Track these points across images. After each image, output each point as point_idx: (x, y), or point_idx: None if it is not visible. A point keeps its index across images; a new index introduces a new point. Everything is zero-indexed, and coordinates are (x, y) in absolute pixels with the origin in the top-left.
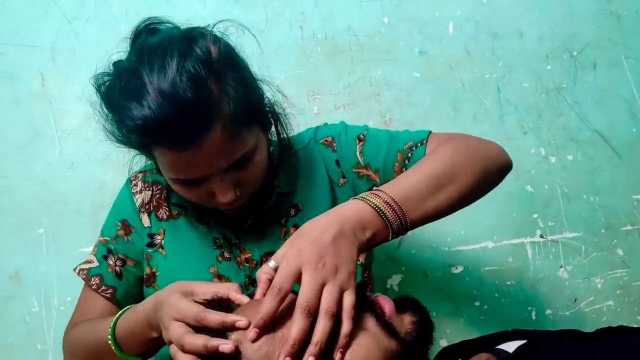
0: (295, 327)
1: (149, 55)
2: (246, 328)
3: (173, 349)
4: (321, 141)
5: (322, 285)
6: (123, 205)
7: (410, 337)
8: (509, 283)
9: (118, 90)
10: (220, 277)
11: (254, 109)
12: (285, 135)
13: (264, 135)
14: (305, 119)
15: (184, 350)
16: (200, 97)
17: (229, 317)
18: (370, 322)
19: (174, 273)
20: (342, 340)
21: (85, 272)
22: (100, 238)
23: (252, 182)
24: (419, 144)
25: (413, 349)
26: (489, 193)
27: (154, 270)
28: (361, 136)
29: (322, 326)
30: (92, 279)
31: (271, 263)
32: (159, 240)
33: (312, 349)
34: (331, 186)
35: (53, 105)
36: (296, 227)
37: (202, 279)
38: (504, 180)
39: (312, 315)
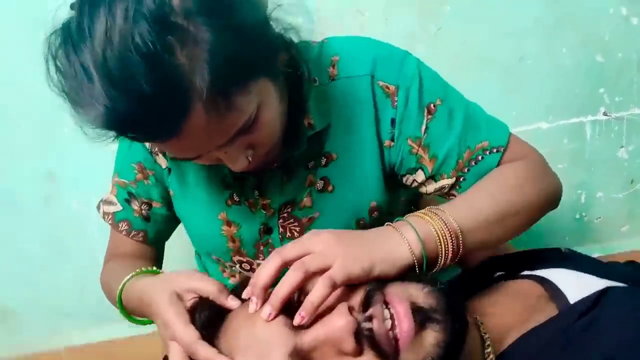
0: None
1: (90, 21)
2: None
3: None
4: (381, 83)
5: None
6: (134, 145)
7: None
8: (560, 166)
9: (67, 75)
10: (230, 224)
11: (249, 58)
12: (306, 69)
13: (271, 84)
14: None
15: None
16: (163, 82)
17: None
18: None
19: (185, 219)
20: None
21: (111, 217)
22: (117, 179)
23: (266, 142)
24: (495, 150)
25: None
26: (547, 68)
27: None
28: (432, 106)
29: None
30: (120, 225)
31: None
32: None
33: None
34: (380, 146)
35: None
36: (325, 180)
37: (211, 227)
38: (565, 51)
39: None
